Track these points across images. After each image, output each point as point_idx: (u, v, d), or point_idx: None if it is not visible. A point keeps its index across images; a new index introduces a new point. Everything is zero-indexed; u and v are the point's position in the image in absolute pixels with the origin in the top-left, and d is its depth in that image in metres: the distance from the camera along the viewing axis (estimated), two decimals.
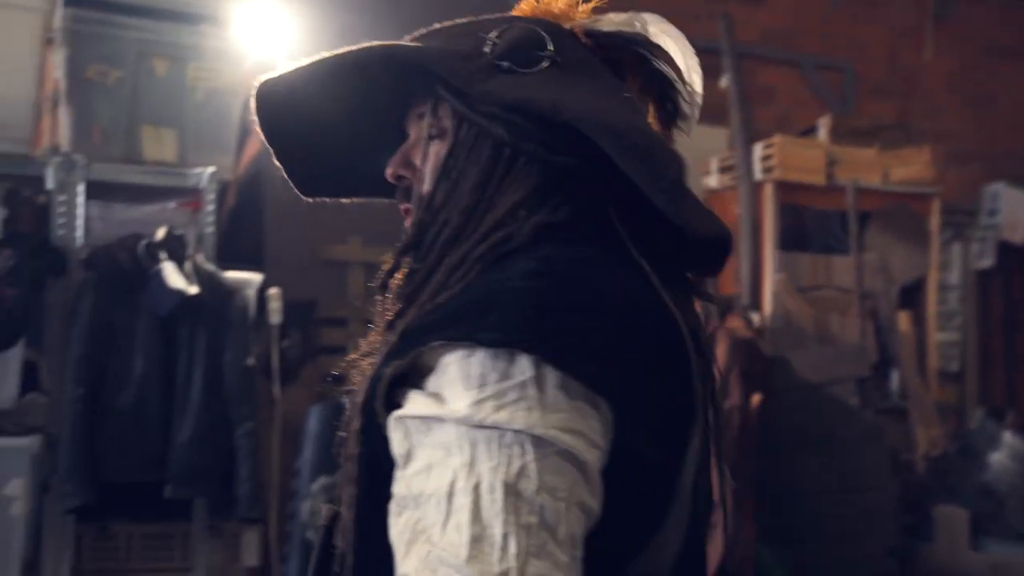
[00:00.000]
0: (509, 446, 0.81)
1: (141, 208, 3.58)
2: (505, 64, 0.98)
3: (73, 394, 3.26)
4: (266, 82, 1.06)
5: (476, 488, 0.80)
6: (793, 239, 4.66)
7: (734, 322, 4.03)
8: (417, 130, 1.04)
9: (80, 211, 3.40)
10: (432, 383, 0.85)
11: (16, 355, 3.36)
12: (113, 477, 3.35)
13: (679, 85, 1.05)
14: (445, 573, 0.78)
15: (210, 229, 3.56)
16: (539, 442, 0.81)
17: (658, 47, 1.04)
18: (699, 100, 1.07)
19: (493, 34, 1.00)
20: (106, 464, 3.32)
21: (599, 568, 0.86)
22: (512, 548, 0.78)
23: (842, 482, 3.91)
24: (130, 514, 3.57)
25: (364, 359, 0.98)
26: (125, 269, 3.33)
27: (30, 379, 3.45)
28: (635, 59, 1.05)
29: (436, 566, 0.79)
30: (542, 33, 1.00)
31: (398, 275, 1.00)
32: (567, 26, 1.04)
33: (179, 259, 3.38)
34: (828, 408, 4.03)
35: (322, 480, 4.68)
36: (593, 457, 0.83)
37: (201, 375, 3.41)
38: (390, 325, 0.97)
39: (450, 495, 0.80)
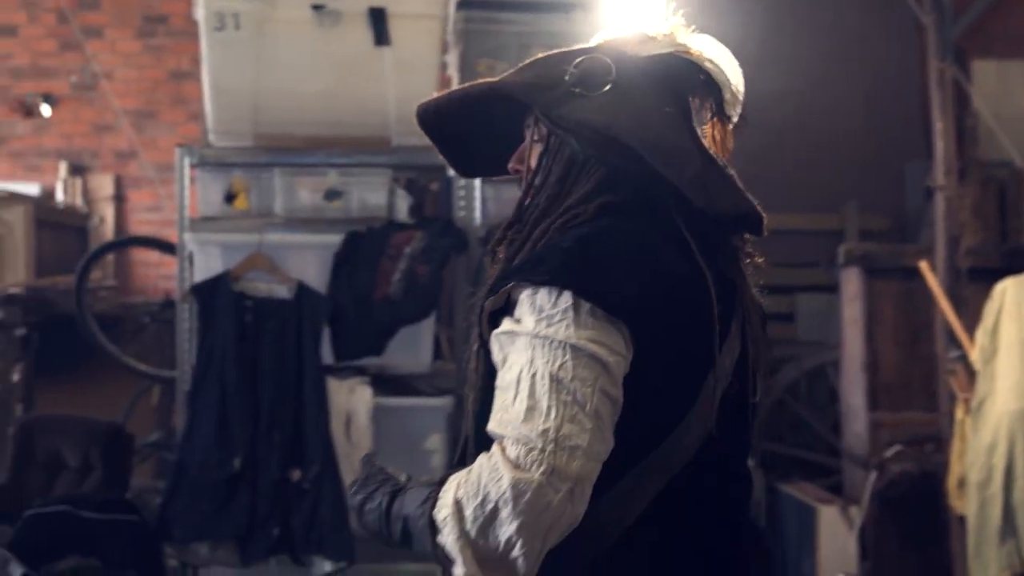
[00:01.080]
0: (555, 350, 1.22)
1: None
2: (577, 90, 1.37)
3: None
4: (423, 103, 1.50)
5: (532, 377, 1.22)
6: None
7: None
8: (528, 136, 1.44)
9: (477, 193, 3.76)
10: (516, 311, 1.27)
11: (428, 325, 3.79)
12: None
13: (725, 89, 1.41)
14: (510, 430, 1.21)
15: None
16: (575, 349, 1.22)
17: (707, 60, 1.40)
18: (741, 97, 1.43)
19: (572, 66, 1.37)
20: None
21: (636, 443, 1.26)
22: (552, 415, 1.20)
23: None
24: None
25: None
26: None
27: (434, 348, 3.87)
28: (688, 73, 1.40)
29: (505, 425, 1.22)
30: (608, 62, 1.37)
31: (503, 244, 1.41)
32: (630, 52, 1.40)
33: None
34: None
35: None
36: (614, 360, 1.23)
37: None
38: None
39: (518, 381, 1.22)
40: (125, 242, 5.72)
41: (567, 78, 1.37)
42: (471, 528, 1.19)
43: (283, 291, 3.64)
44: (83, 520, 3.55)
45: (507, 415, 1.21)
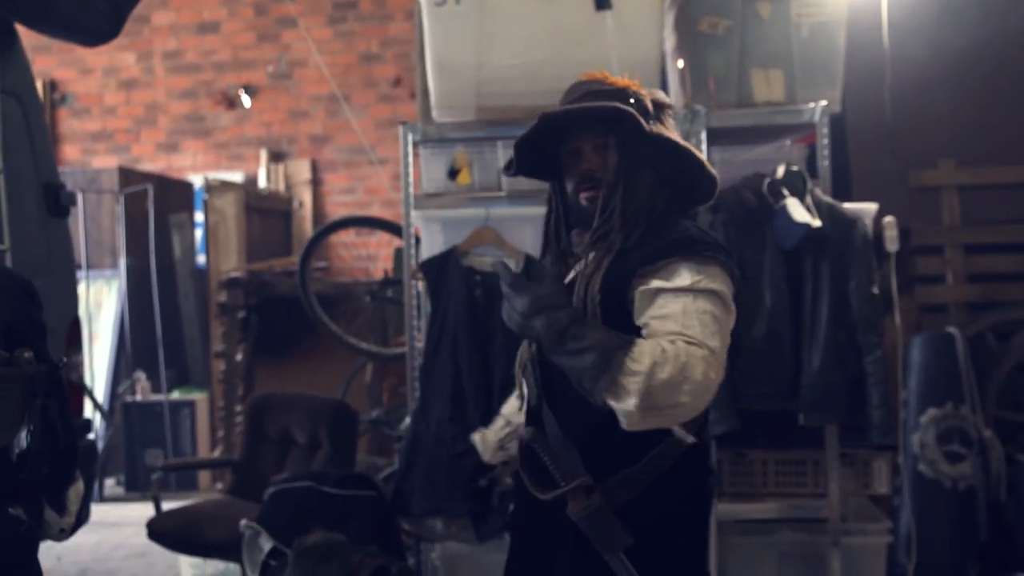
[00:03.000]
0: (705, 293, 1.88)
1: (758, 148, 3.73)
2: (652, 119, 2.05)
3: None
4: (519, 138, 2.12)
5: (697, 309, 1.86)
6: None
7: None
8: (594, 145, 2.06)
9: (704, 156, 3.61)
10: (666, 273, 1.91)
11: None
12: (750, 405, 3.54)
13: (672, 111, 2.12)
14: (688, 333, 1.85)
15: (825, 162, 3.60)
16: (715, 293, 1.89)
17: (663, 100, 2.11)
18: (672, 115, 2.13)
19: (634, 100, 2.03)
20: (744, 393, 3.51)
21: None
22: (710, 327, 1.87)
23: None
24: (765, 441, 3.75)
25: (592, 272, 1.97)
26: (751, 207, 3.49)
27: None
28: (663, 105, 2.10)
29: (685, 330, 1.87)
30: (662, 100, 2.10)
31: (607, 235, 2.01)
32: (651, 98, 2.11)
33: (799, 194, 3.47)
34: None
35: (931, 412, 4.57)
36: (730, 299, 1.93)
37: (827, 305, 3.48)
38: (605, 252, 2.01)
39: (683, 311, 1.87)
40: (347, 222, 5.77)
41: (645, 108, 2.04)
42: (658, 385, 1.76)
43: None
44: (325, 495, 3.62)
45: (687, 327, 1.82)
